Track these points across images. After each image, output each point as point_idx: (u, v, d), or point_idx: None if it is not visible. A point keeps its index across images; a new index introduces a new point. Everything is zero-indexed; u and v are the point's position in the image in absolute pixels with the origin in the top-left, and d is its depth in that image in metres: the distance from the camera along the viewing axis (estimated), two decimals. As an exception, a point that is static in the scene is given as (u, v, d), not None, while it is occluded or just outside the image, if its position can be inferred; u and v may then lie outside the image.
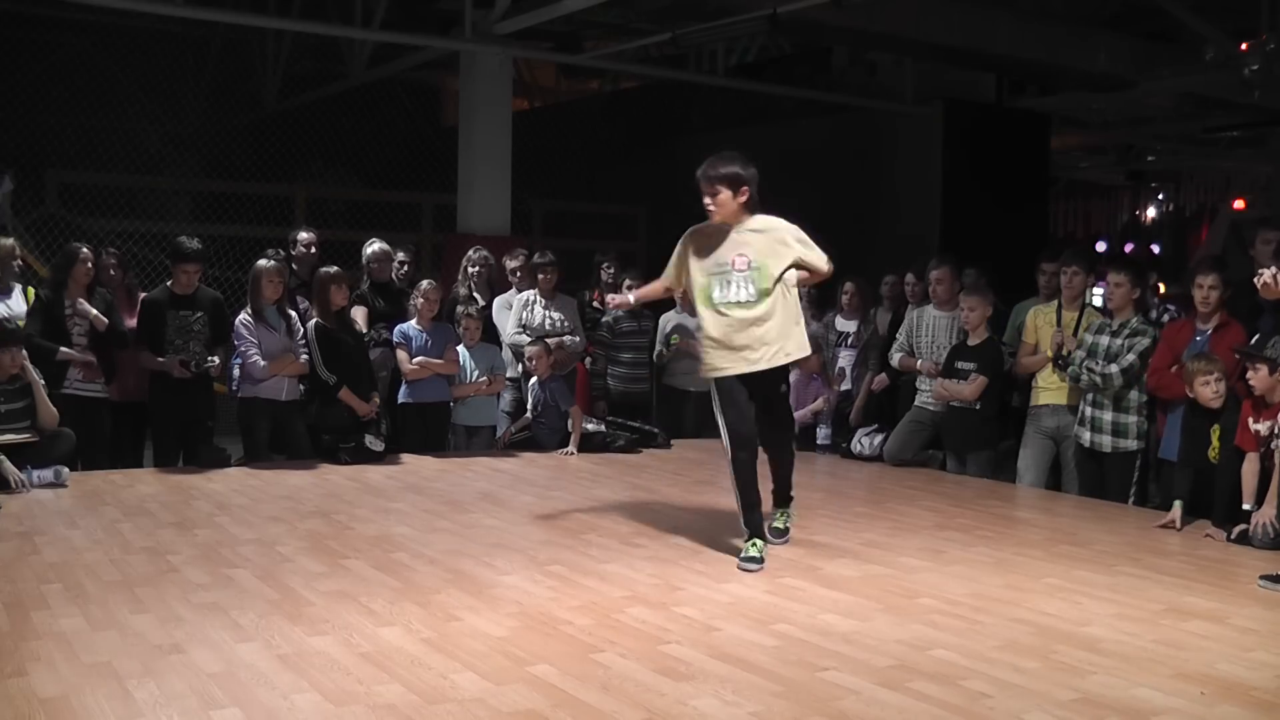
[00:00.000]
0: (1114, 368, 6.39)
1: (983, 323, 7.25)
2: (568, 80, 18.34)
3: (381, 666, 3.49)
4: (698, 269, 5.16)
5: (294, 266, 8.26)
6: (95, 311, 6.97)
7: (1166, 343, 6.29)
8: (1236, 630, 4.08)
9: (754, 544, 5.01)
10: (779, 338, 5.06)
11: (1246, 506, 5.41)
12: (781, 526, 5.41)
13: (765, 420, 5.21)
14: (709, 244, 5.14)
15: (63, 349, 6.89)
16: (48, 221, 11.97)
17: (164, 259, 9.38)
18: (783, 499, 5.47)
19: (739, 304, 5.04)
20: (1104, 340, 6.54)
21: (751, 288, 5.02)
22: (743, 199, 5.03)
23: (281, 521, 5.58)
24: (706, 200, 5.06)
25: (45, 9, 13.00)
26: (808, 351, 5.30)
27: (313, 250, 8.33)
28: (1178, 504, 5.74)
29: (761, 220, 5.13)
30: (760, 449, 5.23)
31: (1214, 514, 5.58)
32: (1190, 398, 5.77)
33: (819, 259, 5.16)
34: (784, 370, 5.24)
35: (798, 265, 5.10)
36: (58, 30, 13.63)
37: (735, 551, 5.10)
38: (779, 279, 5.04)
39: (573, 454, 7.82)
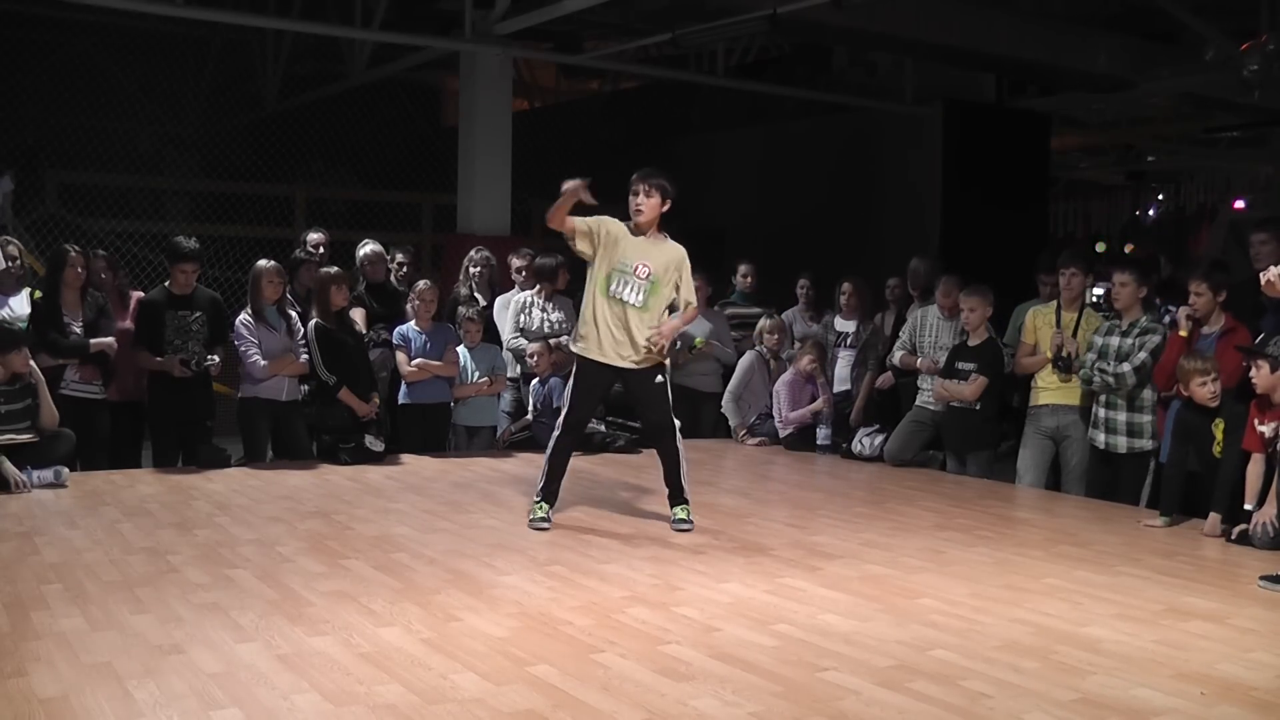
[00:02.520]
0: (1126, 367, 6.35)
1: (983, 323, 7.25)
2: (568, 80, 18.31)
3: (381, 666, 3.49)
4: (604, 259, 5.55)
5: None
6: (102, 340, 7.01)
7: (1172, 350, 6.23)
8: (1236, 630, 4.08)
9: (540, 505, 5.56)
10: (642, 346, 5.54)
11: (1248, 506, 5.41)
12: (684, 517, 5.62)
13: (647, 421, 5.79)
14: (622, 243, 5.55)
15: (93, 340, 6.91)
16: (48, 221, 11.99)
17: (163, 259, 9.38)
18: (678, 498, 5.68)
19: (627, 304, 5.51)
20: (1114, 341, 6.49)
21: (641, 295, 5.53)
22: (664, 209, 5.56)
23: (281, 521, 5.58)
24: (639, 199, 5.53)
25: (45, 9, 12.98)
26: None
27: (320, 250, 8.32)
28: (1162, 520, 5.79)
29: (672, 246, 5.63)
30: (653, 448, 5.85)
31: (1214, 504, 5.56)
32: (1185, 397, 5.76)
33: (688, 294, 5.69)
34: (653, 374, 5.64)
35: (671, 306, 5.65)
36: (58, 30, 13.62)
37: (736, 551, 5.11)
38: (660, 302, 5.60)
39: None
